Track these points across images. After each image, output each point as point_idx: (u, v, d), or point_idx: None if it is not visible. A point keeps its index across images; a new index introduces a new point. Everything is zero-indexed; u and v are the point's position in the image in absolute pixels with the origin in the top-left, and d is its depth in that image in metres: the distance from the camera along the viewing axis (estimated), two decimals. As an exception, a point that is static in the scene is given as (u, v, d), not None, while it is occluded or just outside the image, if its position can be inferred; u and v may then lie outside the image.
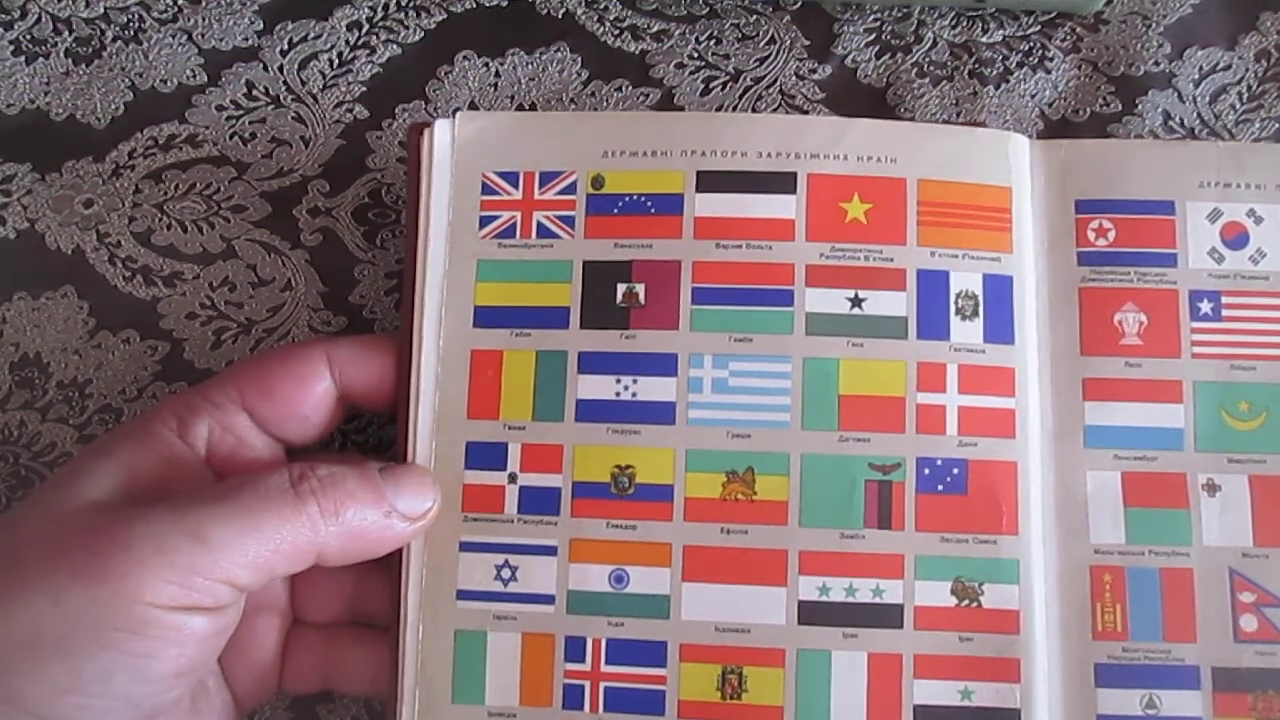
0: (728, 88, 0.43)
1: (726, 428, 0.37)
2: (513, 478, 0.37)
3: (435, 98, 0.44)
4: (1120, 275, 0.38)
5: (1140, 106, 0.43)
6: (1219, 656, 0.36)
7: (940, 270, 0.37)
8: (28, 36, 0.44)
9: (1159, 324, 0.38)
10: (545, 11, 0.44)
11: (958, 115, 0.43)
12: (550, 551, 0.37)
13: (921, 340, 0.37)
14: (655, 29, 0.44)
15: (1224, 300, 0.38)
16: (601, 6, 0.44)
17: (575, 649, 0.36)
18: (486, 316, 0.38)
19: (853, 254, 0.37)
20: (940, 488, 0.36)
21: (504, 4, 0.44)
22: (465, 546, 0.37)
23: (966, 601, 0.36)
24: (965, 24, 0.44)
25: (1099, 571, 0.37)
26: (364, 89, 0.44)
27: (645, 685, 0.36)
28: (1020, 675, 0.35)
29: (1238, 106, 0.43)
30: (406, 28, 0.44)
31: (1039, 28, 0.44)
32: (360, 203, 0.44)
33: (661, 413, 0.37)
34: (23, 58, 0.44)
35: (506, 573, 0.37)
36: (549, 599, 0.36)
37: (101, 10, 0.45)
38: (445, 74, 0.44)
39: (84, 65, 0.44)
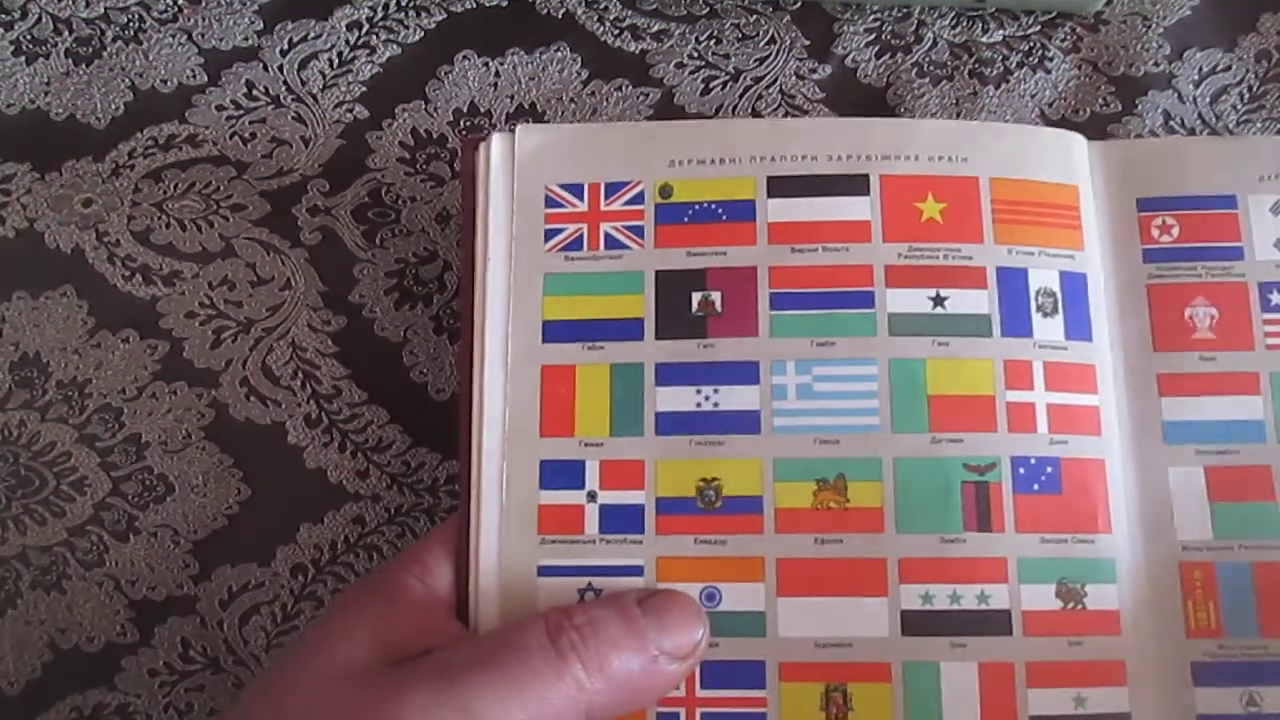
0: (728, 87, 0.39)
1: (814, 434, 0.32)
2: (592, 496, 0.32)
3: (435, 98, 0.40)
4: (1187, 270, 0.34)
5: (1140, 107, 0.39)
6: (1322, 649, 0.31)
7: (1019, 268, 0.33)
8: (28, 36, 0.41)
9: (1230, 317, 0.34)
10: (545, 11, 0.41)
11: (958, 115, 0.39)
12: (636, 571, 0.31)
13: (1006, 338, 0.32)
14: (655, 29, 0.40)
15: (1296, 289, 0.34)
16: (601, 6, 0.41)
17: (668, 674, 0.30)
18: (556, 331, 0.33)
19: (931, 253, 0.33)
20: (1036, 487, 0.31)
21: (504, 4, 0.41)
22: (544, 571, 0.31)
23: (1071, 604, 0.31)
24: (965, 24, 0.40)
25: (1188, 568, 0.32)
26: (364, 89, 0.40)
27: (745, 709, 0.30)
28: (1126, 677, 0.30)
29: (1239, 107, 0.39)
30: (406, 27, 0.41)
31: (1039, 28, 0.40)
32: (360, 202, 0.39)
33: (746, 422, 0.32)
34: (23, 58, 0.41)
35: (590, 595, 0.31)
36: None
37: (101, 10, 0.41)
38: (445, 74, 0.40)
39: (84, 65, 0.40)
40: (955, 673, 0.30)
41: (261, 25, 0.41)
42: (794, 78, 0.40)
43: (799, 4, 0.40)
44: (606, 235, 0.33)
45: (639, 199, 0.34)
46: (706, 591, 0.31)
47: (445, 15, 0.41)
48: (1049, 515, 0.31)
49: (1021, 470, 0.31)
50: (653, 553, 0.31)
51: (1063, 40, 0.40)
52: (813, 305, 0.32)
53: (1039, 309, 0.33)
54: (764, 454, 0.32)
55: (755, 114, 0.39)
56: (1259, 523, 0.32)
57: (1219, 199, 0.34)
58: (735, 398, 0.32)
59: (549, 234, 0.33)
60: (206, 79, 0.40)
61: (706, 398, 0.32)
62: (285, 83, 0.40)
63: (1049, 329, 0.32)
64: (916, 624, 0.30)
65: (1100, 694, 0.30)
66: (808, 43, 0.40)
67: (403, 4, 0.41)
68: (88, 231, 0.39)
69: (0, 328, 0.38)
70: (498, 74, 0.40)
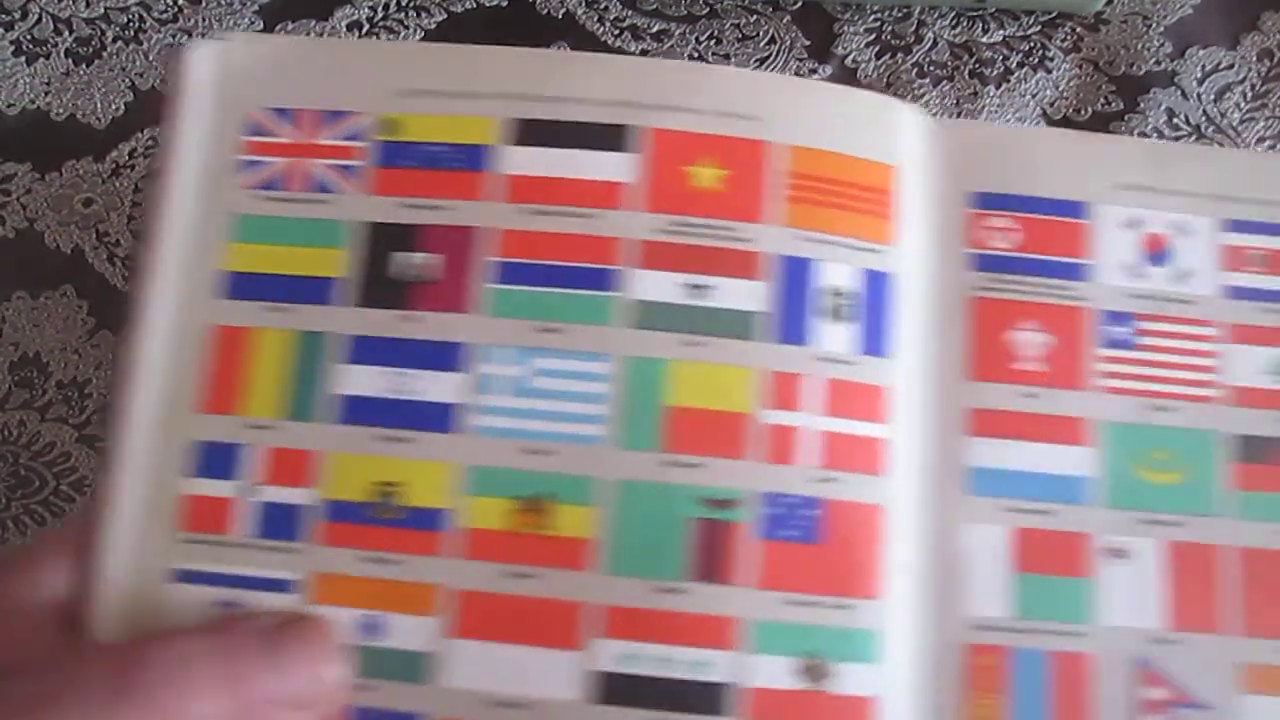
0: None
1: (521, 441, 0.25)
2: (249, 490, 0.25)
3: None
4: (1017, 285, 0.27)
5: (1142, 105, 0.38)
6: (1122, 768, 0.25)
7: (807, 258, 0.26)
8: (28, 37, 0.40)
9: (1062, 347, 0.27)
10: (545, 11, 0.40)
11: (958, 116, 0.38)
12: (283, 587, 0.25)
13: (777, 343, 0.26)
14: (655, 29, 0.40)
15: (1139, 325, 0.27)
16: (602, 6, 0.40)
17: (308, 720, 0.24)
18: (238, 285, 0.26)
19: (698, 230, 0.26)
20: (790, 533, 0.25)
21: (504, 4, 0.40)
22: (182, 576, 0.25)
23: (816, 684, 0.24)
24: (965, 24, 0.39)
25: (977, 652, 0.25)
26: None
27: (392, 773, 0.24)
28: (873, 784, 0.24)
29: (1242, 105, 0.38)
30: (407, 28, 0.40)
31: (1039, 28, 0.39)
32: None
33: (440, 417, 0.25)
34: (23, 58, 0.40)
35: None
36: None
37: (102, 10, 0.40)
38: None
39: (84, 65, 0.40)
40: (652, 756, 0.24)
41: (262, 25, 0.40)
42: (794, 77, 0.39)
43: (799, 4, 0.40)
44: (313, 175, 0.27)
45: (357, 134, 0.27)
46: (368, 621, 0.25)
47: (445, 15, 0.40)
48: (802, 570, 0.25)
49: (774, 511, 0.25)
50: (309, 566, 0.25)
51: (1063, 40, 0.39)
52: (542, 281, 0.26)
53: (826, 311, 0.26)
54: (457, 458, 0.25)
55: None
56: (1065, 604, 0.26)
57: (1066, 204, 0.28)
58: (432, 386, 0.25)
59: (246, 166, 0.27)
60: (207, 79, 0.40)
61: (400, 383, 0.26)
62: None
63: (836, 338, 0.26)
64: (612, 690, 0.24)
65: (835, 800, 0.24)
66: (808, 43, 0.39)
67: (403, 4, 0.40)
68: (88, 231, 0.39)
69: (0, 328, 0.38)
70: (498, 74, 0.39)
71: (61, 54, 0.40)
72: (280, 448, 0.25)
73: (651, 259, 0.26)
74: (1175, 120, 0.38)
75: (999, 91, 0.38)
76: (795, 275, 0.26)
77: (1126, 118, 0.38)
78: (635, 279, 0.26)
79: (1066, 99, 0.38)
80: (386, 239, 0.26)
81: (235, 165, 0.27)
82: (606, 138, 0.26)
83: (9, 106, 0.40)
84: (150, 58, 0.40)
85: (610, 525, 0.25)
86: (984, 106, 0.38)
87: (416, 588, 0.25)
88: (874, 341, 0.26)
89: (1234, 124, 0.38)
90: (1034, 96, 0.38)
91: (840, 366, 0.26)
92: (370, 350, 0.26)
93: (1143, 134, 0.37)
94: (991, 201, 0.28)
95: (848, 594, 0.25)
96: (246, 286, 0.26)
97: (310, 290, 0.26)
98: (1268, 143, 0.37)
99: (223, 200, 0.27)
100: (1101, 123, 0.38)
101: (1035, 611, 0.26)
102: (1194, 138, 0.37)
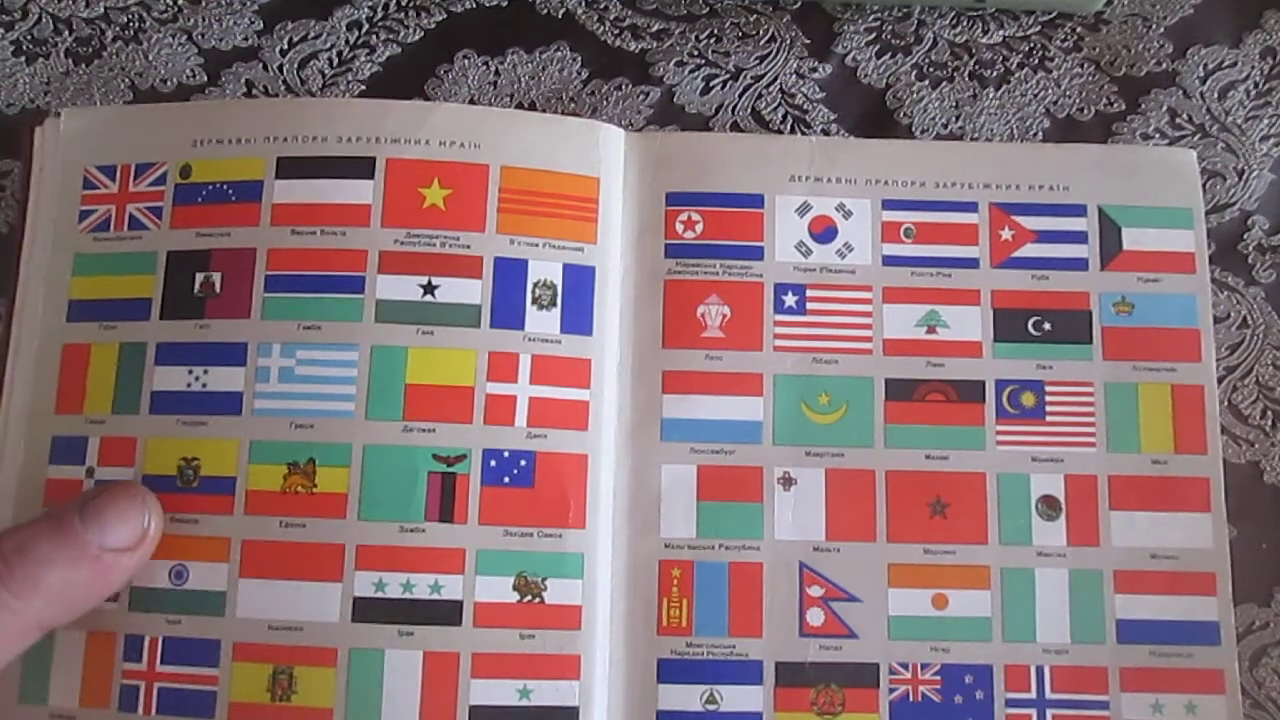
0: (728, 86, 0.37)
1: (290, 418, 0.31)
2: (90, 472, 0.31)
3: (435, 96, 0.38)
4: (705, 267, 0.33)
5: (1144, 105, 0.38)
6: (783, 651, 0.30)
7: (519, 259, 0.32)
8: (28, 36, 0.39)
9: (742, 317, 0.32)
10: (545, 11, 0.39)
11: (958, 116, 0.38)
12: (115, 546, 0.31)
13: (495, 329, 0.31)
14: (655, 28, 0.39)
15: (809, 294, 0.32)
16: (602, 6, 0.39)
17: (134, 648, 0.30)
18: (80, 310, 0.32)
19: (428, 240, 0.32)
20: (506, 480, 0.30)
21: (504, 3, 0.39)
22: None
23: (529, 597, 0.30)
24: (965, 24, 0.39)
25: (667, 566, 0.31)
26: (363, 88, 0.38)
27: (197, 686, 0.30)
28: (580, 672, 0.30)
29: (1246, 103, 0.38)
30: (406, 27, 0.39)
31: (1039, 28, 0.39)
32: None
33: (228, 403, 0.31)
34: (23, 58, 0.39)
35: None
36: (112, 596, 0.30)
37: (102, 10, 0.40)
38: (445, 73, 0.38)
39: (84, 65, 0.39)
40: (399, 661, 0.29)
41: (261, 25, 0.39)
42: (794, 76, 0.38)
43: (799, 3, 0.39)
44: (130, 216, 0.33)
45: (162, 180, 0.33)
46: (176, 569, 0.30)
47: (445, 15, 0.39)
48: (516, 508, 0.30)
49: (493, 463, 0.30)
50: (133, 528, 0.31)
51: (1063, 40, 0.38)
52: (304, 289, 0.31)
53: (535, 301, 0.31)
54: (242, 435, 0.31)
55: (755, 113, 0.37)
56: (742, 523, 0.31)
57: (747, 197, 0.33)
58: (223, 379, 0.31)
59: (83, 215, 0.33)
60: (206, 79, 0.39)
61: (197, 378, 0.31)
62: (285, 82, 0.39)
63: (543, 322, 0.31)
64: (367, 611, 0.30)
65: (548, 687, 0.29)
66: (808, 41, 0.39)
67: (403, 3, 0.39)
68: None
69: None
70: (498, 73, 0.39)
71: (61, 54, 0.39)
72: (111, 436, 0.31)
73: (390, 265, 0.31)
74: (1178, 120, 0.37)
75: (998, 93, 0.38)
76: (509, 273, 0.31)
77: (1129, 118, 0.37)
78: (378, 282, 0.31)
79: (1069, 98, 0.38)
80: (184, 263, 0.32)
81: (76, 215, 0.33)
82: (352, 168, 0.32)
83: (9, 106, 0.39)
84: (150, 58, 0.39)
85: (363, 481, 0.30)
86: (983, 109, 0.38)
87: (213, 540, 0.30)
88: (577, 323, 0.31)
89: (1238, 122, 0.37)
90: (1036, 97, 0.38)
91: (548, 345, 0.31)
92: (174, 353, 0.31)
93: (1145, 135, 0.37)
94: (683, 199, 0.33)
95: (556, 525, 0.30)
96: (86, 311, 0.32)
97: (129, 309, 0.32)
98: (1272, 140, 0.37)
99: (68, 243, 0.33)
100: (1104, 124, 0.37)
101: (717, 531, 0.31)
102: (1197, 137, 0.37)
